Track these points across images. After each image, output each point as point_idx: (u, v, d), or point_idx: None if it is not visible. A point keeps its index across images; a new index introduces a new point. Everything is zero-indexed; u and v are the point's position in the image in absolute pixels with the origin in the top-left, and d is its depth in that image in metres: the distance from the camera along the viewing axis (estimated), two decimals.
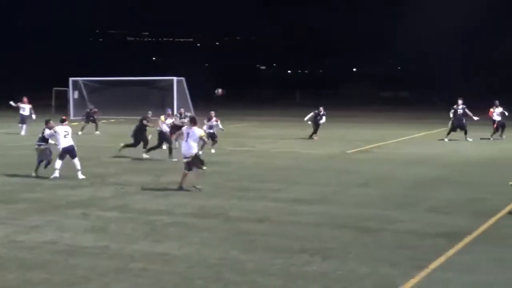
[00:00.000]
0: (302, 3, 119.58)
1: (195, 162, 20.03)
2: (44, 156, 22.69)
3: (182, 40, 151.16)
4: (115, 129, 43.55)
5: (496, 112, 36.59)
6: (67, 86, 60.52)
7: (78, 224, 15.19)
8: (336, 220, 15.68)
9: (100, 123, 41.72)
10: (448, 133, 35.86)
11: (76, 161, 22.18)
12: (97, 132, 39.88)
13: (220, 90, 36.26)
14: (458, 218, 15.98)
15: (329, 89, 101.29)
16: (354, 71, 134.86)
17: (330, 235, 14.20)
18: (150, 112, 29.39)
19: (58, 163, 21.99)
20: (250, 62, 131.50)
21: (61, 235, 14.12)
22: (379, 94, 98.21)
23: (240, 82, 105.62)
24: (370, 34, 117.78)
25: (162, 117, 28.94)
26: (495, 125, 36.56)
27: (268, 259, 12.31)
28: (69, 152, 22.24)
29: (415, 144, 34.37)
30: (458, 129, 35.72)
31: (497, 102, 37.08)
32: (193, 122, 20.67)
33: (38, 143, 22.77)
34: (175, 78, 56.82)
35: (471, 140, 35.01)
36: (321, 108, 36.89)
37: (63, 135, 22.21)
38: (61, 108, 59.99)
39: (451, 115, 35.89)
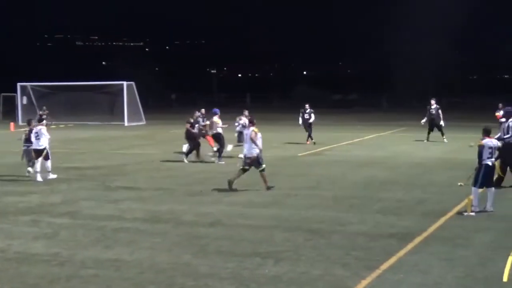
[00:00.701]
0: (250, 7, 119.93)
1: (253, 162, 20.68)
2: (30, 156, 23.36)
3: (131, 44, 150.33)
4: (65, 134, 43.13)
5: (502, 114, 36.57)
6: (15, 92, 59.81)
7: (28, 231, 15.00)
8: (288, 223, 15.73)
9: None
10: (428, 134, 35.92)
11: (38, 163, 22.77)
12: None
13: None
14: (408, 219, 16.15)
15: (279, 92, 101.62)
16: (305, 74, 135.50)
17: (282, 237, 14.23)
18: (197, 112, 29.06)
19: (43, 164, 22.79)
20: (200, 66, 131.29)
21: (10, 242, 13.93)
22: (330, 96, 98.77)
23: (190, 86, 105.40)
24: (320, 37, 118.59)
25: (216, 119, 28.42)
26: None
27: (221, 263, 12.30)
28: (35, 153, 22.99)
29: (365, 146, 34.63)
30: (435, 128, 35.74)
31: (500, 105, 36.71)
32: (251, 122, 21.36)
33: (25, 144, 23.58)
34: (125, 83, 56.57)
35: (446, 141, 35.14)
36: (306, 106, 35.44)
37: (34, 136, 22.65)
38: (10, 114, 59.26)
39: (426, 116, 35.97)
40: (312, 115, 35.35)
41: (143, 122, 55.62)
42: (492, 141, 17.11)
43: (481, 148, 16.91)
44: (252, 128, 20.88)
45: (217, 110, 28.85)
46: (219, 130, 28.28)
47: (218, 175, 23.90)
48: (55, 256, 12.86)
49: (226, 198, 19.09)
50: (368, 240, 13.96)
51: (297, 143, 35.11)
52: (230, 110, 72.35)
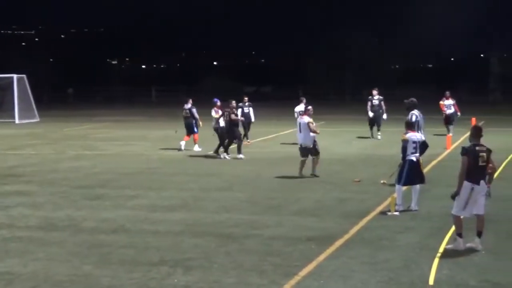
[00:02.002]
0: None
1: (311, 150, 23.07)
2: None
3: (22, 32, 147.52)
4: None
5: (446, 104, 35.79)
6: None
7: None
8: (198, 228, 15.70)
9: None
10: (371, 129, 35.52)
11: None
12: None
13: None
14: (328, 220, 16.32)
15: (187, 84, 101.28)
16: (215, 64, 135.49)
17: (192, 244, 14.20)
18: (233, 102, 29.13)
19: None
20: (99, 57, 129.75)
21: None
22: (243, 89, 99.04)
23: (88, 78, 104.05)
24: (230, 24, 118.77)
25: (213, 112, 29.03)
26: (444, 121, 35.79)
27: (125, 273, 12.20)
28: None
29: (281, 142, 34.73)
30: (375, 123, 35.20)
31: (447, 93, 36.05)
32: (305, 112, 23.66)
33: None
34: (14, 76, 55.43)
35: (379, 138, 34.89)
36: (246, 99, 33.70)
37: None
38: None
39: (368, 108, 35.25)
40: (251, 109, 34.13)
41: (37, 119, 54.66)
42: (416, 135, 17.44)
43: (405, 143, 17.19)
44: (308, 119, 22.94)
45: (216, 101, 29.33)
46: (221, 123, 28.80)
47: (120, 177, 23.74)
48: None
49: (129, 202, 18.94)
50: (285, 244, 14.04)
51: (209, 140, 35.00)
52: (129, 106, 72.17)
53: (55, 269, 12.55)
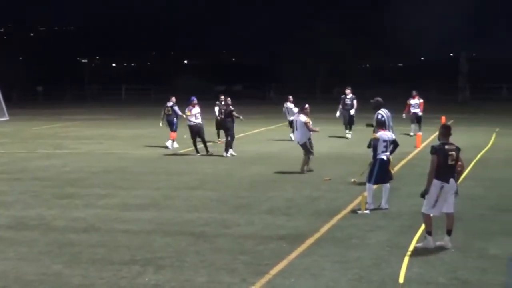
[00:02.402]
0: None
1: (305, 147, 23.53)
2: None
3: None
4: None
5: (413, 104, 35.80)
6: None
7: None
8: (169, 227, 15.68)
9: None
10: (346, 128, 35.46)
11: None
12: None
13: None
14: (299, 219, 16.36)
15: (158, 83, 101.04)
16: (185, 63, 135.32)
17: (163, 243, 14.18)
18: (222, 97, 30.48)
19: None
20: (70, 55, 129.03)
21: None
22: (214, 87, 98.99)
23: (59, 77, 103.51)
24: (202, 22, 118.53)
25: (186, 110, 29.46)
26: (411, 120, 35.97)
27: (95, 273, 12.16)
28: None
29: (252, 142, 34.78)
30: (348, 123, 35.19)
31: (414, 92, 35.98)
32: (301, 110, 23.96)
33: None
34: None
35: (349, 136, 34.95)
36: (222, 97, 32.35)
37: None
38: None
39: (340, 106, 35.28)
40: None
41: (6, 118, 54.27)
42: (386, 134, 17.53)
43: (375, 141, 17.29)
44: (305, 118, 23.31)
45: (192, 99, 29.71)
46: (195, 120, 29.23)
47: (91, 176, 23.63)
48: None
49: (100, 201, 18.85)
50: (256, 243, 14.07)
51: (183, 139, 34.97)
52: (100, 105, 71.86)
53: (25, 268, 12.48)
